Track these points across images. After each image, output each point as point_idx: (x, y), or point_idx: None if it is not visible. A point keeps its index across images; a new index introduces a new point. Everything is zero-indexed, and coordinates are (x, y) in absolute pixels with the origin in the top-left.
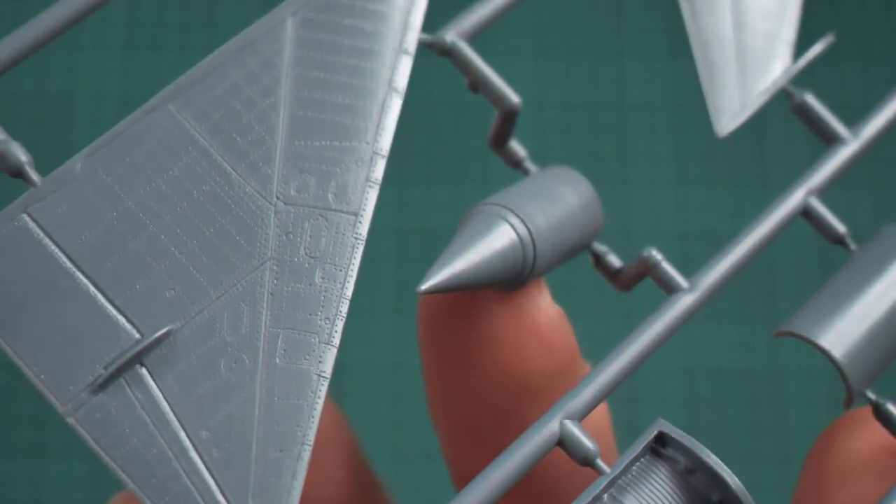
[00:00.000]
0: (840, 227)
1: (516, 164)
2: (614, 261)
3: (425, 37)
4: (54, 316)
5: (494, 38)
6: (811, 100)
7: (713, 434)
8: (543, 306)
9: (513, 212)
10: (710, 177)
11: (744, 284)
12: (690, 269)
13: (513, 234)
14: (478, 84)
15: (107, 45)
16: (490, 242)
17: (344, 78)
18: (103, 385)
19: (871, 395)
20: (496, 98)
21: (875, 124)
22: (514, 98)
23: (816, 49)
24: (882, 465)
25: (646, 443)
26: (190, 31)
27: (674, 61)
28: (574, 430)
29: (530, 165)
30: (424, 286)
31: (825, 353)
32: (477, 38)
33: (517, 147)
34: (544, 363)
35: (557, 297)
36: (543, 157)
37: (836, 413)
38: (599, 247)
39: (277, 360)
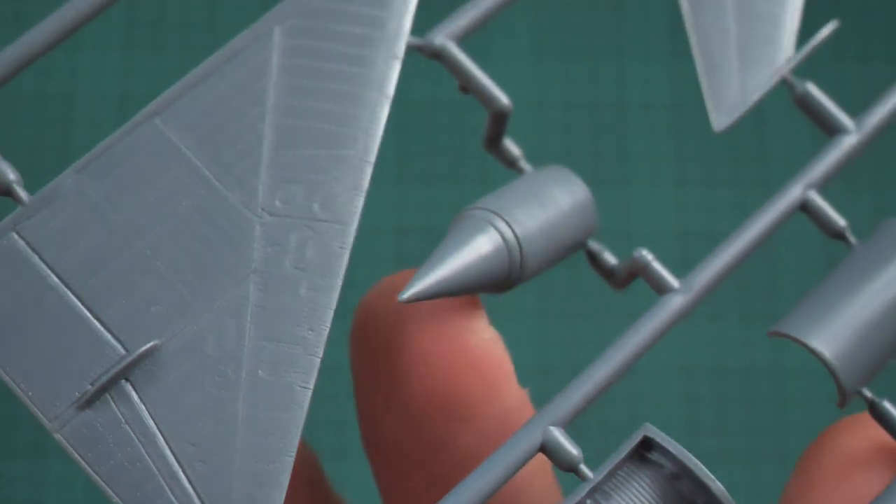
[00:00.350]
0: (840, 221)
1: (511, 163)
2: (609, 259)
3: (414, 40)
4: (42, 333)
5: (494, 38)
6: (813, 90)
7: (713, 434)
8: (477, 329)
9: (499, 216)
10: (711, 177)
11: (745, 282)
12: (691, 269)
13: (498, 240)
14: (468, 86)
15: (106, 45)
16: (475, 248)
17: (332, 85)
18: (89, 401)
19: (868, 394)
20: (486, 100)
21: (879, 113)
22: (503, 99)
23: (820, 36)
24: (879, 465)
25: (631, 448)
26: (190, 30)
27: (674, 61)
28: (558, 436)
29: (525, 165)
30: (406, 295)
31: (815, 354)
32: (476, 38)
33: (511, 146)
34: (475, 389)
35: (558, 295)
36: (543, 158)
37: (836, 412)
38: (594, 245)
39: (261, 373)
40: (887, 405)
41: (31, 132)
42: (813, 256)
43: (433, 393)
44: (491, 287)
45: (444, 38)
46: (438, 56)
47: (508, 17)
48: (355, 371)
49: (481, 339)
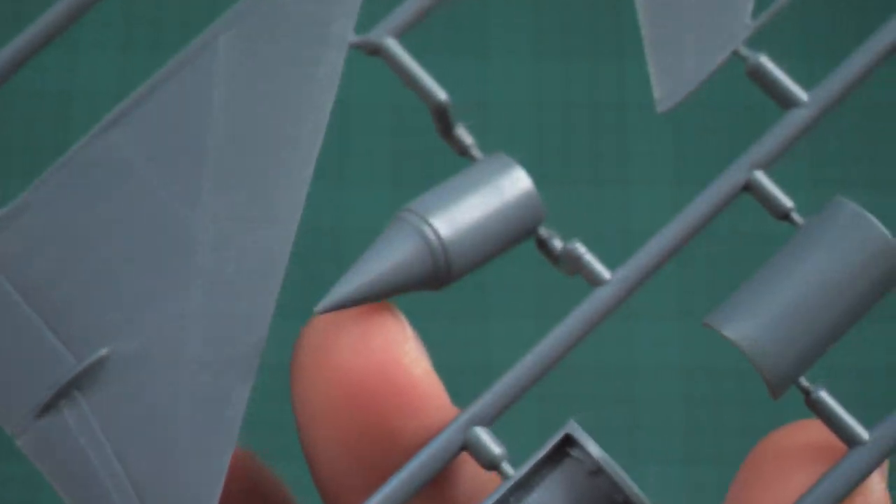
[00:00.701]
0: (787, 202)
1: (463, 152)
2: (557, 245)
3: (354, 37)
4: (4, 346)
5: (493, 37)
6: (766, 62)
7: (712, 434)
8: (405, 364)
9: (422, 218)
10: (710, 176)
11: (744, 280)
12: (691, 271)
13: (420, 242)
14: (407, 83)
15: (105, 43)
16: (393, 254)
17: (277, 88)
18: (44, 410)
19: (804, 383)
20: (424, 96)
21: (834, 85)
22: (440, 95)
23: (780, 4)
24: (818, 467)
25: (552, 445)
26: (189, 30)
27: None
28: (481, 434)
29: (476, 153)
30: (321, 306)
31: (733, 343)
32: (476, 38)
33: (464, 135)
34: (410, 423)
35: (557, 295)
36: (543, 157)
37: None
38: (544, 232)
39: (203, 376)
40: (823, 394)
41: (27, 130)
42: None
43: (369, 426)
44: (418, 288)
45: (384, 34)
46: (378, 52)
47: (508, 17)
48: (294, 404)
49: (409, 373)
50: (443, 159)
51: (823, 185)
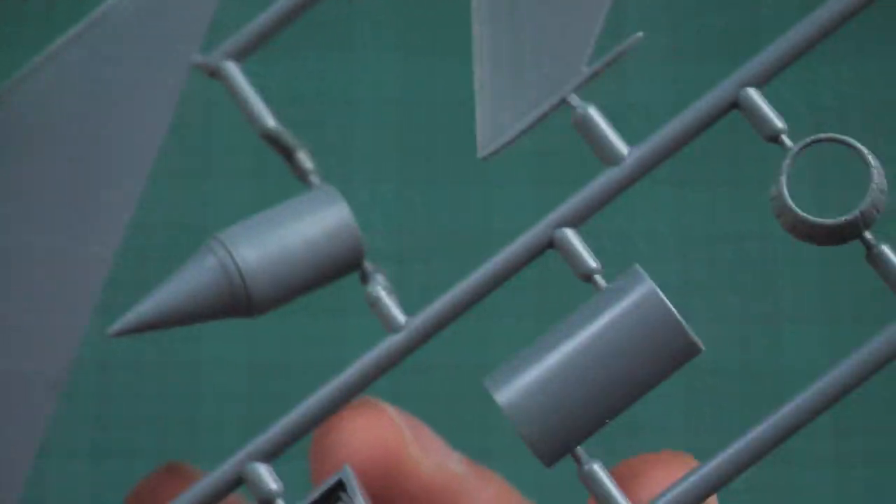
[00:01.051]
0: (591, 263)
1: (302, 177)
2: (379, 281)
3: (195, 59)
4: None
5: None
6: (594, 114)
7: (713, 433)
8: (408, 468)
9: (224, 246)
10: (710, 176)
11: (744, 281)
12: (690, 272)
13: (216, 271)
14: (240, 106)
15: None
16: (189, 281)
17: (116, 105)
18: None
19: (578, 453)
20: (253, 121)
21: (654, 143)
22: (267, 122)
23: (615, 53)
24: None
25: (325, 489)
26: None
27: (674, 61)
28: (258, 469)
29: (314, 179)
30: (112, 330)
31: (502, 409)
32: (469, 38)
33: (305, 161)
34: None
35: (556, 295)
36: (544, 157)
37: (837, 415)
38: (368, 266)
39: (9, 389)
40: (595, 467)
41: None
42: (811, 256)
43: None
44: (221, 315)
45: (223, 57)
46: (216, 75)
47: None
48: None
49: (418, 477)
50: (445, 157)
51: (824, 187)
